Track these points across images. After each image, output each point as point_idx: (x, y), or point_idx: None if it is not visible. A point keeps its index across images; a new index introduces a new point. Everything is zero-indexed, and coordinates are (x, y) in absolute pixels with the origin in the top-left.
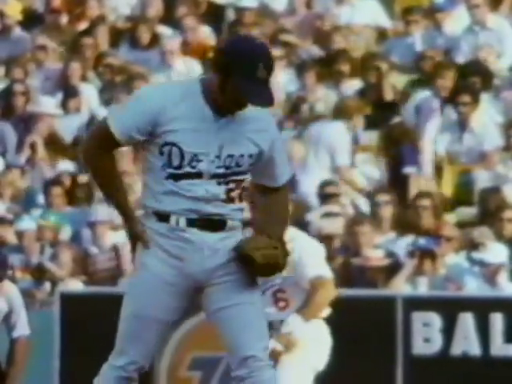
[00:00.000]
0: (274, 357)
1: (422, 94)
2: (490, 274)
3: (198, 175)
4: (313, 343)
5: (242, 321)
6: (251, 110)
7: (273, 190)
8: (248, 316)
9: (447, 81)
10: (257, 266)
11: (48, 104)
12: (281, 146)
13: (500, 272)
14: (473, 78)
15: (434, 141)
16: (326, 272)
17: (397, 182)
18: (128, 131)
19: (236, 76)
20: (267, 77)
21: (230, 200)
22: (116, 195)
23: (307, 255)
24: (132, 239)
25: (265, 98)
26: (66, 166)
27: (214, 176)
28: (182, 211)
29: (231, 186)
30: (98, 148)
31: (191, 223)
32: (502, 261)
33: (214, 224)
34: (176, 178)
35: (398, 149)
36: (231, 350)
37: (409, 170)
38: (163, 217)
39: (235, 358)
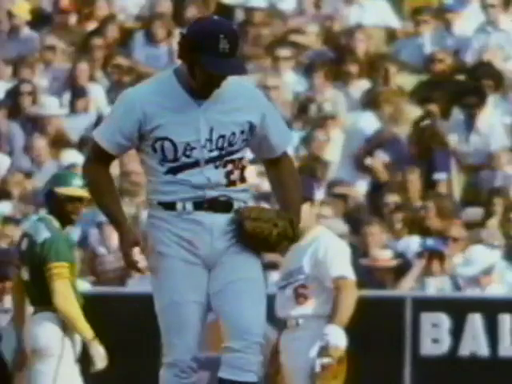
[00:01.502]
0: (329, 372)
1: None
2: (477, 282)
3: (196, 164)
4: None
5: (244, 296)
6: (235, 87)
7: (274, 163)
8: (249, 292)
9: None
10: (245, 234)
11: (53, 105)
12: (273, 116)
13: (487, 280)
14: (483, 80)
15: None
16: (350, 273)
17: (428, 187)
18: (114, 139)
19: (199, 55)
20: (232, 48)
21: (231, 183)
22: (110, 208)
23: (332, 254)
24: (126, 255)
25: (233, 68)
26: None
27: (210, 160)
28: (186, 198)
29: (229, 167)
30: (94, 164)
31: (198, 206)
32: (478, 271)
33: (221, 205)
34: (174, 171)
35: (430, 154)
36: (227, 325)
37: (440, 176)
38: (169, 205)
39: (232, 331)
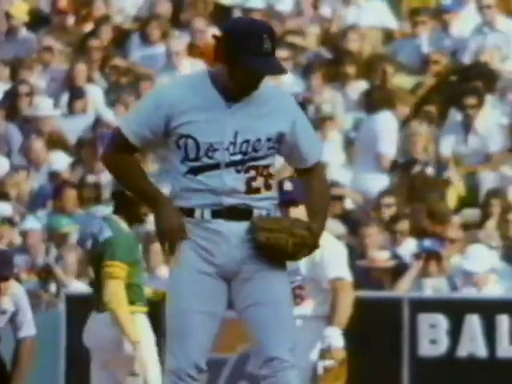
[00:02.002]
0: (331, 374)
1: None
2: (474, 282)
3: (216, 166)
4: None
5: (272, 321)
6: (267, 92)
7: (306, 173)
8: (278, 316)
9: None
10: (260, 246)
11: (47, 106)
12: (304, 124)
13: (484, 280)
14: (477, 81)
15: None
16: (347, 274)
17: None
18: (140, 131)
19: (243, 56)
20: (273, 47)
21: (253, 190)
22: (144, 189)
23: (329, 256)
24: (168, 232)
25: (277, 68)
26: (63, 160)
27: (231, 164)
28: (205, 205)
29: (252, 173)
30: (115, 152)
31: (216, 214)
32: (485, 269)
33: (240, 213)
34: (195, 171)
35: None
36: (257, 348)
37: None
38: (187, 212)
39: (260, 357)
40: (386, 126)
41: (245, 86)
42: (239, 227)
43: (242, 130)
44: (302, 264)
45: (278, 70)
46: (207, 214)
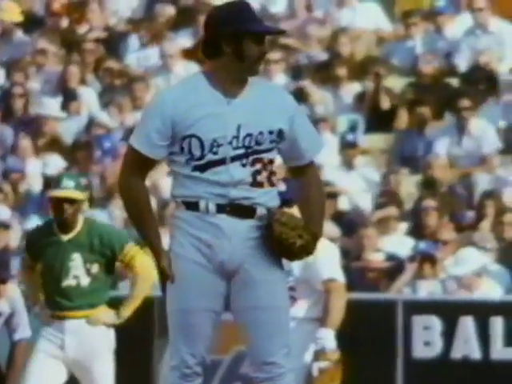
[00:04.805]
0: (327, 375)
1: None
2: (465, 284)
3: (222, 161)
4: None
5: (270, 326)
6: (264, 88)
7: (301, 172)
8: (277, 322)
9: None
10: (271, 236)
11: (51, 106)
12: (302, 120)
13: (475, 281)
14: (477, 84)
15: None
16: (340, 275)
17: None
18: (151, 141)
19: (244, 26)
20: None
21: (257, 184)
22: (146, 228)
23: (322, 257)
24: (161, 276)
25: (275, 28)
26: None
27: (235, 158)
28: (210, 196)
29: (257, 167)
30: (132, 175)
31: (221, 209)
32: (472, 269)
33: (244, 210)
34: (201, 169)
35: None
36: (253, 352)
37: None
38: (192, 204)
39: (257, 361)
40: None
41: (255, 63)
42: (242, 226)
43: (245, 124)
44: (295, 265)
45: (278, 29)
46: (212, 207)
